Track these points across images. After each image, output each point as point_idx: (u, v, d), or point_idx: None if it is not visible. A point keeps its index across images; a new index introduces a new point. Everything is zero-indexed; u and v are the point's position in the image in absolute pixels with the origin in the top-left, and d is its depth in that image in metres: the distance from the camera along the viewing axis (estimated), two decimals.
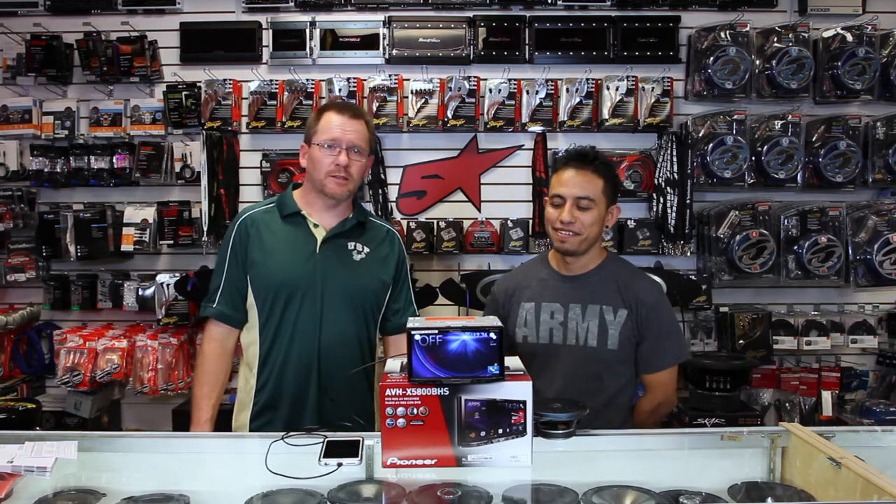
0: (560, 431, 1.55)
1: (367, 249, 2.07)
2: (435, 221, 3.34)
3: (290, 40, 3.35)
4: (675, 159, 3.21)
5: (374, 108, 3.27)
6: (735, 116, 3.26)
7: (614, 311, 2.00)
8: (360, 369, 2.05)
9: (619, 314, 2.00)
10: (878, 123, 3.28)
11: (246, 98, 3.37)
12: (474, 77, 3.30)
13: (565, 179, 1.99)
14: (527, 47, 3.36)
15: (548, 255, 2.17)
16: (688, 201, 3.21)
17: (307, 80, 3.33)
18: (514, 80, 3.29)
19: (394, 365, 1.56)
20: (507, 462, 1.44)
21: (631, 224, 3.28)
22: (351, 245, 2.06)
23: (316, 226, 2.03)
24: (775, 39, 3.28)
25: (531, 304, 2.08)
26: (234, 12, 3.42)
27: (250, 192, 3.38)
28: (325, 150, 1.97)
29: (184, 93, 3.32)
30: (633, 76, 3.28)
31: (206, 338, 2.08)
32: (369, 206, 3.27)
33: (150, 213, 3.31)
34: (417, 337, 1.43)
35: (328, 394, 1.99)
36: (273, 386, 2.00)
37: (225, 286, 2.03)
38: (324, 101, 3.32)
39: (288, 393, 1.99)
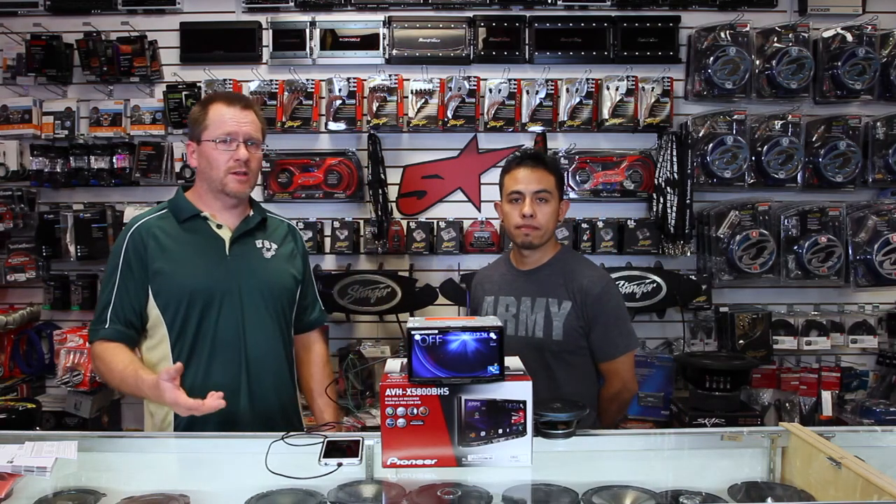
0: (560, 431, 1.55)
1: (274, 246, 1.98)
2: (435, 221, 3.34)
3: (290, 40, 3.35)
4: (675, 159, 3.21)
5: (374, 108, 3.27)
6: (735, 116, 3.26)
7: (559, 303, 2.10)
8: (360, 369, 2.05)
9: (563, 306, 2.10)
10: (878, 123, 3.28)
11: None
12: (474, 77, 3.30)
13: (522, 177, 2.11)
14: (527, 47, 3.36)
15: (511, 252, 2.29)
16: (688, 201, 3.21)
17: (307, 80, 3.33)
18: (514, 80, 3.29)
19: (394, 365, 1.56)
20: (507, 462, 1.44)
21: (631, 224, 3.28)
22: (259, 243, 1.95)
23: (220, 226, 1.91)
24: (775, 39, 3.28)
25: (491, 297, 2.23)
26: (234, 12, 3.41)
27: None
28: (221, 145, 1.84)
29: (184, 93, 3.32)
30: (633, 76, 3.28)
31: (94, 355, 1.85)
32: (369, 206, 3.28)
33: None
34: (417, 337, 1.43)
35: (259, 396, 1.87)
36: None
37: (116, 303, 1.83)
38: (324, 101, 3.32)
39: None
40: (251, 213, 1.99)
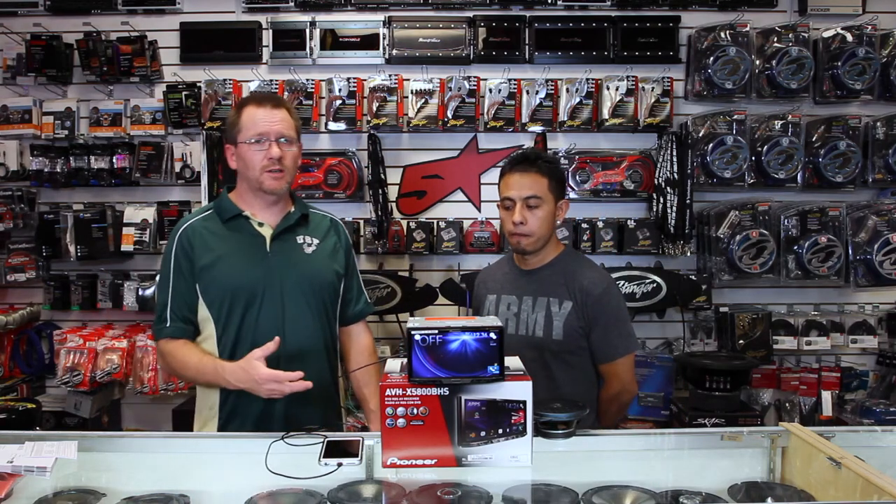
0: (560, 431, 1.55)
1: (316, 241, 2.01)
2: (435, 221, 3.34)
3: (290, 40, 3.35)
4: (675, 159, 3.21)
5: (374, 108, 3.27)
6: (735, 116, 3.26)
7: (560, 303, 2.10)
8: (360, 369, 2.05)
9: (563, 306, 2.09)
10: (878, 123, 3.28)
11: None
12: (474, 77, 3.30)
13: (512, 183, 2.10)
14: (527, 47, 3.36)
15: (513, 251, 2.30)
16: (688, 201, 3.21)
17: (307, 80, 3.33)
18: (514, 80, 3.29)
19: (394, 365, 1.56)
20: (507, 462, 1.44)
21: (631, 224, 3.28)
22: (300, 239, 1.99)
23: (261, 224, 1.96)
24: (775, 39, 3.28)
25: (493, 296, 2.24)
26: (234, 12, 3.42)
27: None
28: (254, 146, 1.90)
29: (184, 93, 3.32)
30: (633, 76, 3.28)
31: (162, 353, 1.95)
32: (369, 206, 3.28)
33: (150, 213, 3.31)
34: (417, 337, 1.43)
35: (297, 397, 1.86)
36: (237, 398, 1.90)
37: (173, 303, 1.92)
38: (324, 101, 3.32)
39: (255, 402, 1.86)
40: (292, 209, 2.03)
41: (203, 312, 1.93)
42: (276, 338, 1.75)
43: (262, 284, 1.91)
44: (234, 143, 1.95)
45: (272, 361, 1.83)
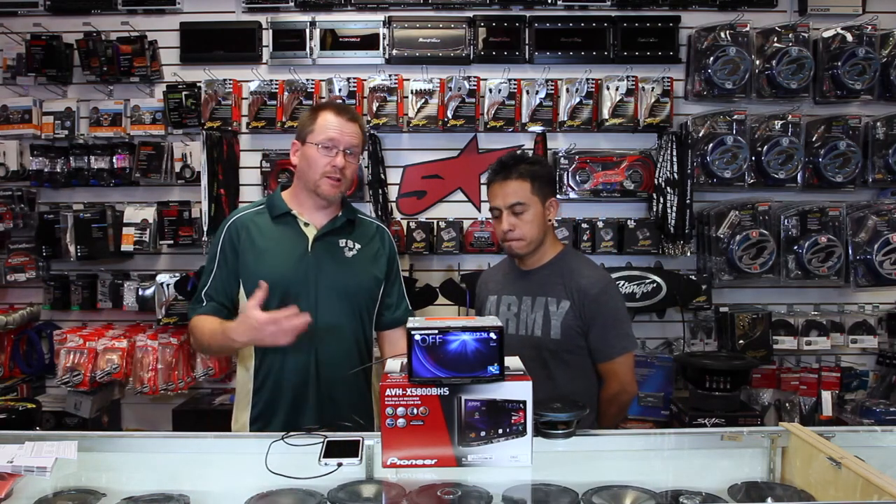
0: (560, 431, 1.55)
1: (358, 246, 2.06)
2: (435, 221, 3.34)
3: (290, 40, 3.35)
4: (675, 159, 3.21)
5: (374, 108, 3.27)
6: (735, 116, 3.26)
7: (557, 303, 2.11)
8: (360, 369, 2.05)
9: (561, 305, 2.10)
10: (878, 123, 3.28)
11: (246, 98, 3.37)
12: (474, 77, 3.30)
13: (495, 192, 2.14)
14: (527, 47, 3.36)
15: None
16: (688, 201, 3.21)
17: (307, 80, 3.33)
18: (514, 80, 3.29)
19: (394, 365, 1.56)
20: (507, 462, 1.44)
21: (631, 224, 3.28)
22: (342, 242, 2.04)
23: (307, 225, 2.02)
24: (775, 39, 3.28)
25: (494, 296, 2.25)
26: (234, 12, 3.42)
27: (250, 193, 3.38)
28: (322, 150, 1.96)
29: (184, 93, 3.32)
30: (633, 76, 3.28)
31: (191, 329, 2.02)
32: (368, 206, 3.28)
33: (150, 213, 3.31)
34: (417, 337, 1.43)
35: (328, 392, 1.97)
36: (271, 387, 1.99)
37: (212, 288, 2.01)
38: (324, 101, 3.32)
39: (287, 393, 1.97)
40: (339, 213, 2.07)
41: (242, 303, 1.99)
42: (265, 284, 1.79)
43: (297, 282, 1.96)
44: (303, 142, 2.01)
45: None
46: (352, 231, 2.08)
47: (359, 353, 2.05)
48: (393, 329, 2.17)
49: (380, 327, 2.16)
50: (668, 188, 3.22)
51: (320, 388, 1.98)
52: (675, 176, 3.21)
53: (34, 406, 2.94)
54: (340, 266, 2.02)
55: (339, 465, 1.46)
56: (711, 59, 3.20)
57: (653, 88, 3.28)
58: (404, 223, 3.34)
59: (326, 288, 1.98)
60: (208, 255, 2.06)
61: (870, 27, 3.27)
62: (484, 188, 3.41)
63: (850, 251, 3.27)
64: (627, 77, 3.27)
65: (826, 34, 3.29)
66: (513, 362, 1.56)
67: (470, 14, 3.35)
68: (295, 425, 1.84)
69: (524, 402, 1.44)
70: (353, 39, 3.37)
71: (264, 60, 3.40)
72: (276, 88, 3.32)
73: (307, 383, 1.97)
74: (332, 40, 3.37)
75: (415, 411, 1.43)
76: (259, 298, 1.76)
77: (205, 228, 3.19)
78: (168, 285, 3.26)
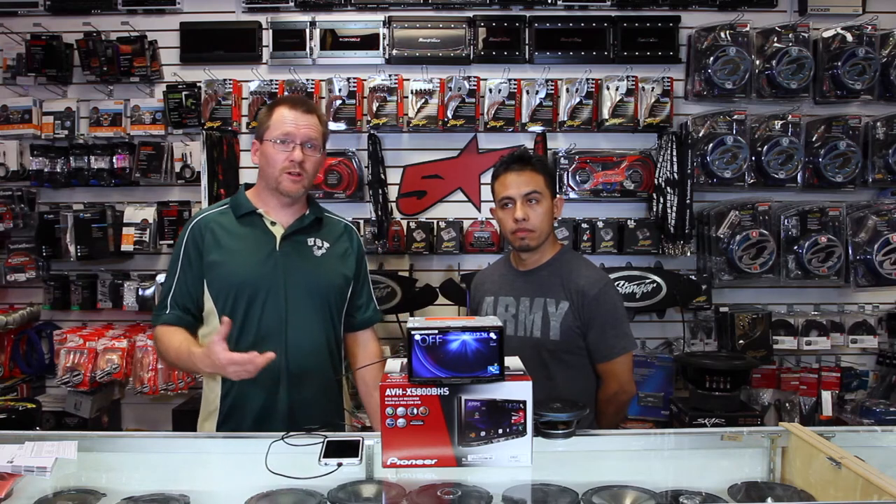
0: (560, 431, 1.55)
1: (326, 245, 2.03)
2: (435, 221, 3.34)
3: (290, 40, 3.35)
4: (675, 159, 3.21)
5: (375, 108, 3.27)
6: (735, 116, 3.26)
7: (556, 304, 2.11)
8: (362, 368, 2.05)
9: (560, 306, 2.10)
10: (878, 123, 3.28)
11: (246, 98, 3.37)
12: (474, 77, 3.30)
13: (509, 182, 2.11)
14: (527, 47, 3.36)
15: (511, 253, 2.30)
16: (688, 201, 3.21)
17: (307, 80, 3.33)
18: (514, 80, 3.29)
19: (394, 365, 1.56)
20: (507, 462, 1.44)
21: (631, 224, 3.28)
22: (310, 241, 2.01)
23: (273, 224, 1.98)
24: (775, 39, 3.28)
25: (491, 297, 2.24)
26: (234, 12, 3.41)
27: None
28: (279, 146, 1.92)
29: (184, 93, 3.32)
30: (633, 76, 3.28)
31: (155, 337, 1.97)
32: (369, 206, 3.28)
33: (150, 213, 3.31)
34: (417, 337, 1.43)
35: (298, 393, 1.93)
36: (239, 391, 1.93)
37: (176, 291, 1.95)
38: (324, 101, 3.32)
39: (256, 398, 1.92)
40: (307, 212, 2.04)
41: (208, 305, 1.96)
42: (227, 320, 1.72)
43: (266, 282, 1.92)
44: (260, 140, 1.98)
45: (276, 361, 1.82)
46: (319, 229, 2.05)
47: (329, 353, 2.02)
48: (363, 330, 2.14)
49: (349, 329, 2.12)
50: (668, 188, 3.22)
51: (290, 388, 1.93)
52: (675, 176, 3.21)
53: (34, 406, 2.94)
54: (309, 265, 1.98)
55: (339, 465, 1.46)
56: (711, 59, 3.20)
57: (653, 88, 3.28)
58: (404, 223, 3.34)
59: (296, 287, 1.94)
60: (171, 258, 2.00)
61: (870, 27, 3.27)
62: (484, 188, 3.41)
63: (850, 251, 3.27)
64: (627, 77, 3.27)
65: (826, 34, 3.29)
66: (513, 362, 1.56)
67: (470, 14, 3.35)
68: (266, 424, 1.85)
69: (524, 402, 1.44)
70: (353, 39, 3.37)
71: (264, 60, 3.40)
72: (276, 88, 3.32)
73: (277, 386, 1.92)
74: (332, 40, 3.37)
75: (415, 411, 1.43)
76: (223, 333, 1.69)
77: None
78: None
